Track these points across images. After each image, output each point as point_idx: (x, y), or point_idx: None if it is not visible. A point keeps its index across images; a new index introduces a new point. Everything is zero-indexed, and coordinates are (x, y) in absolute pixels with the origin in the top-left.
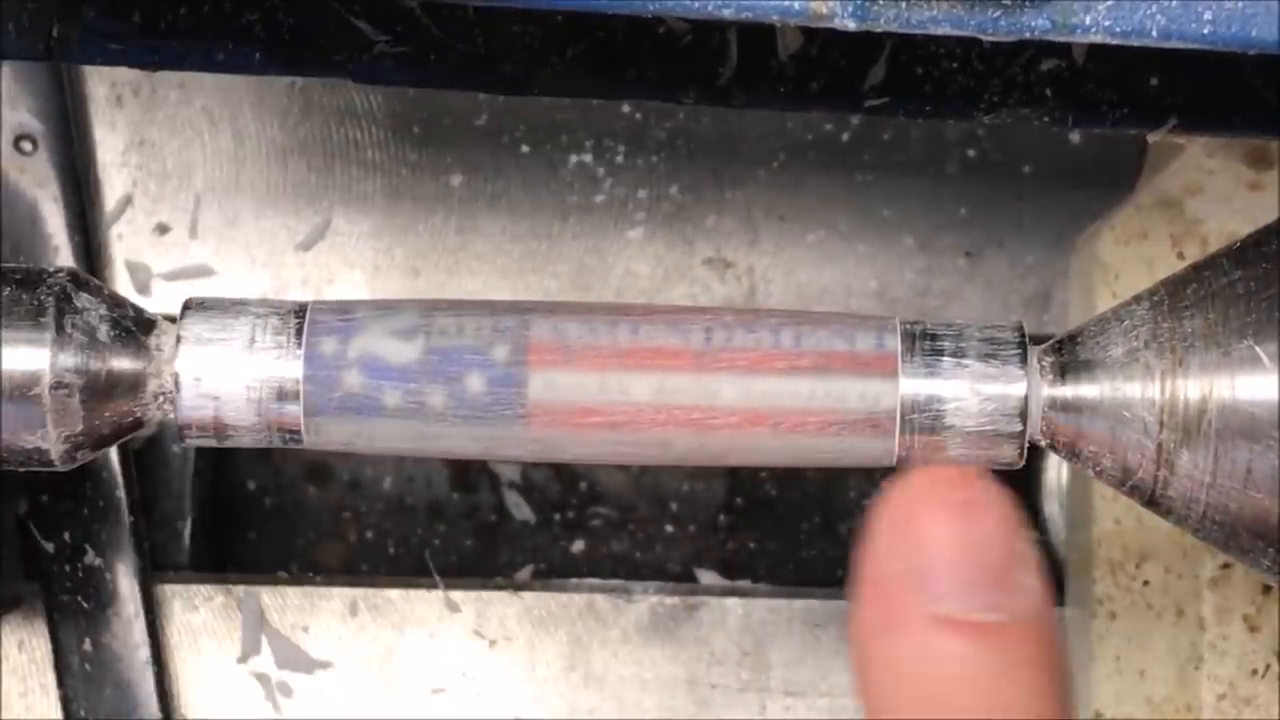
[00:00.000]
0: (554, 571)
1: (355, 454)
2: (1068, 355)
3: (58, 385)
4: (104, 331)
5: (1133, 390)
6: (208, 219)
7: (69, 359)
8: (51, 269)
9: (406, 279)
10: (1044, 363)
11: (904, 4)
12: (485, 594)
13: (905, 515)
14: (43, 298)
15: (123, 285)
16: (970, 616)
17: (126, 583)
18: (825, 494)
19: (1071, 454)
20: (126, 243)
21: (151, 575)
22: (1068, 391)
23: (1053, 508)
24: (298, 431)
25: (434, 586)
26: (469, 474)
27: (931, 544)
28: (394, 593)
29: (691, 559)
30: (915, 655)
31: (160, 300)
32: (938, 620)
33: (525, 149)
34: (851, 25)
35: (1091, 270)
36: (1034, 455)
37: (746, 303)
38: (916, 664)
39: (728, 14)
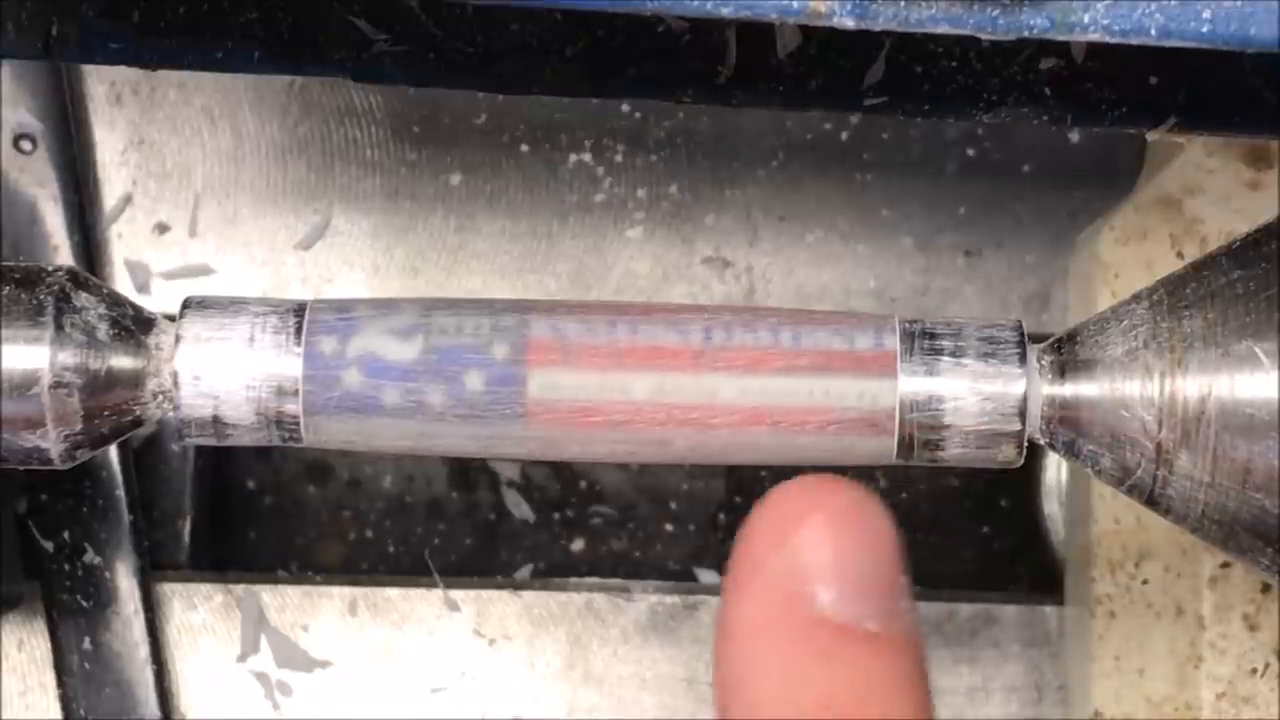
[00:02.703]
0: (554, 570)
1: (355, 452)
2: (1067, 354)
3: (57, 384)
4: (103, 330)
5: (1132, 389)
6: (207, 218)
7: (68, 358)
8: (50, 268)
9: (406, 278)
10: (1043, 362)
11: (902, 2)
12: (485, 593)
13: (790, 517)
14: (42, 297)
15: (122, 284)
16: (855, 623)
17: (126, 582)
18: None
19: (1070, 453)
20: (126, 242)
21: (151, 574)
22: (1067, 390)
23: (1052, 507)
24: (297, 430)
25: (433, 585)
26: (468, 473)
27: (819, 547)
28: (393, 592)
29: (691, 558)
30: (799, 655)
31: (160, 299)
32: (824, 622)
33: (524, 148)
34: (850, 24)
35: (1091, 269)
36: (1033, 454)
37: (745, 302)
38: (799, 664)
39: (727, 12)
